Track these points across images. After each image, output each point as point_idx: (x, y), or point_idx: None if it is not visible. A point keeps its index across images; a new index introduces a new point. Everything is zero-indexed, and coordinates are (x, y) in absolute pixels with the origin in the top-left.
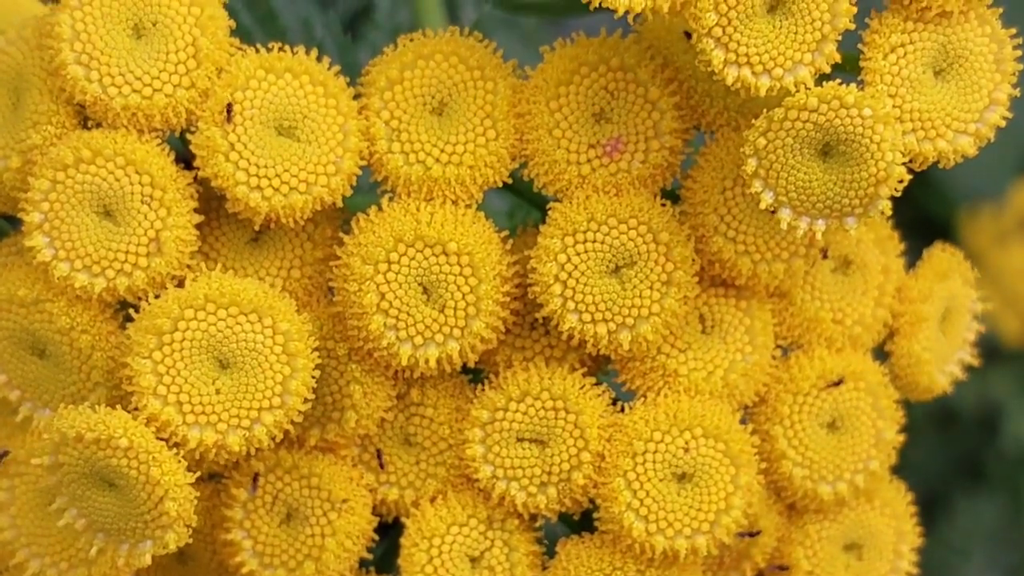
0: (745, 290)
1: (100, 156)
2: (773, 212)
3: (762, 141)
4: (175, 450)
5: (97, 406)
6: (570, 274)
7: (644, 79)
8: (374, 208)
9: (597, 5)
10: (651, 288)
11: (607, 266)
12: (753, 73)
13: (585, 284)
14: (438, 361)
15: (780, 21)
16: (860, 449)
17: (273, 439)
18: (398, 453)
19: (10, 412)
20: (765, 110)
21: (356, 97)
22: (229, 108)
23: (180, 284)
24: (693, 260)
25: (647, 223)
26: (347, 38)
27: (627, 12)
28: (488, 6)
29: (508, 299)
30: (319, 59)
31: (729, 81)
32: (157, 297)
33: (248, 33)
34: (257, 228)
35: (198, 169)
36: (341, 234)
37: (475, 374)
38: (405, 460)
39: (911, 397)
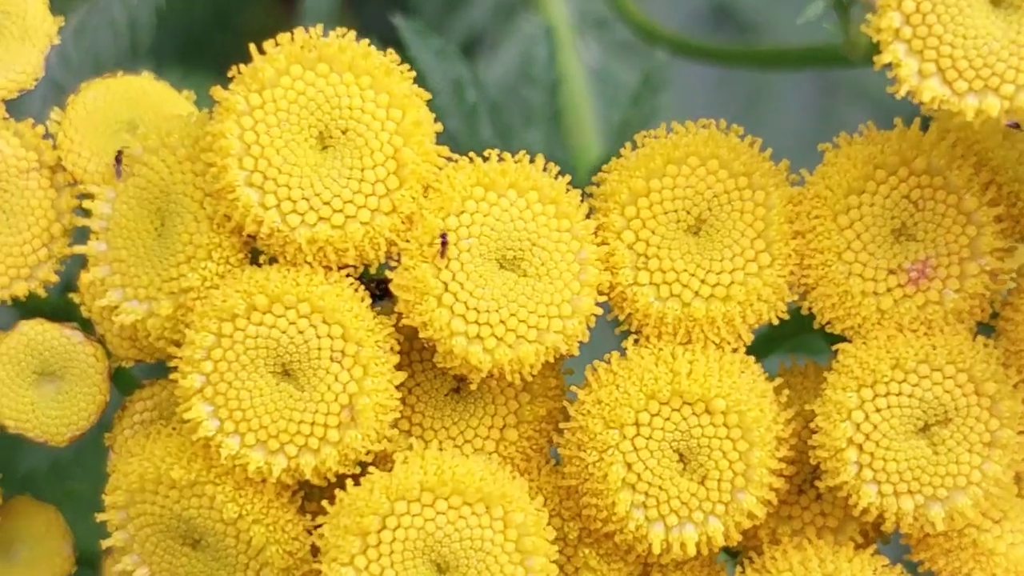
0: None
1: (279, 303)
2: None
3: None
4: None
5: None
6: (868, 436)
7: (957, 185)
8: (616, 355)
9: (929, 102)
10: (971, 451)
11: (915, 425)
12: None
13: (887, 448)
14: (696, 544)
15: None
16: None
17: None
18: None
19: None
20: None
21: (589, 215)
22: (443, 238)
23: (376, 462)
24: (1022, 415)
25: (967, 370)
26: (509, 114)
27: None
28: (660, 53)
29: (784, 465)
30: (544, 168)
31: None
32: (356, 482)
33: None
34: (473, 387)
35: (399, 315)
36: (572, 387)
37: (728, 550)
38: None
39: None
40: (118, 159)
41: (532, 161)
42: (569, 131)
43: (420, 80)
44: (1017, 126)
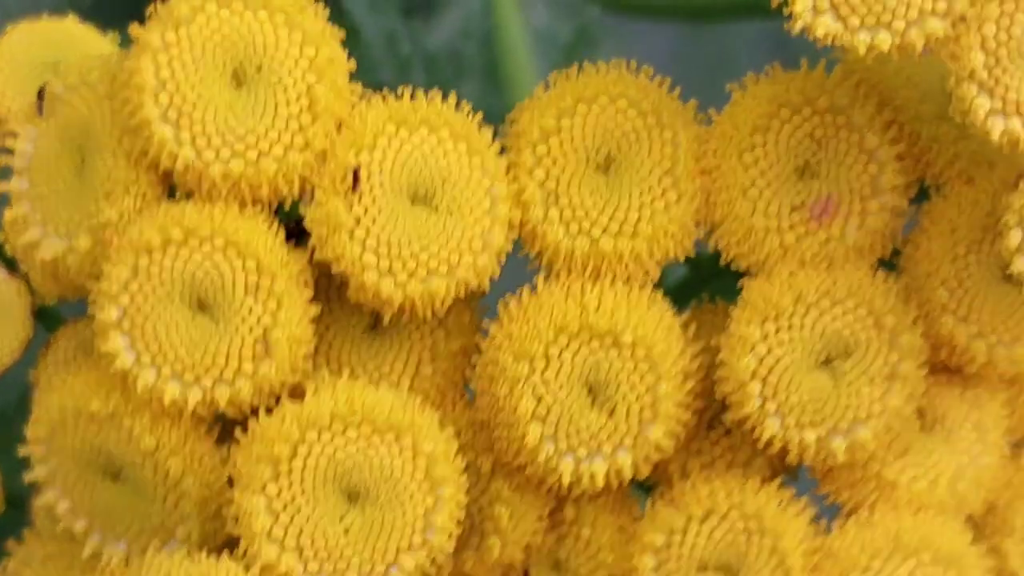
0: (973, 378)
1: (194, 236)
2: None
3: None
4: None
5: (195, 553)
6: (771, 369)
7: (859, 123)
8: (527, 290)
9: (822, 38)
10: (872, 384)
11: (817, 358)
12: None
13: (790, 381)
14: (605, 476)
15: None
16: None
17: None
18: None
19: (72, 543)
20: None
21: (502, 152)
22: (355, 173)
23: (294, 393)
24: (922, 348)
25: (867, 303)
26: (443, 66)
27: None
28: (594, 10)
29: (691, 399)
30: (457, 106)
31: (994, 135)
32: (269, 413)
33: None
34: (387, 321)
35: (314, 249)
36: (484, 322)
37: (642, 485)
38: None
39: None
40: (40, 96)
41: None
42: (509, 87)
43: (354, 33)
44: None
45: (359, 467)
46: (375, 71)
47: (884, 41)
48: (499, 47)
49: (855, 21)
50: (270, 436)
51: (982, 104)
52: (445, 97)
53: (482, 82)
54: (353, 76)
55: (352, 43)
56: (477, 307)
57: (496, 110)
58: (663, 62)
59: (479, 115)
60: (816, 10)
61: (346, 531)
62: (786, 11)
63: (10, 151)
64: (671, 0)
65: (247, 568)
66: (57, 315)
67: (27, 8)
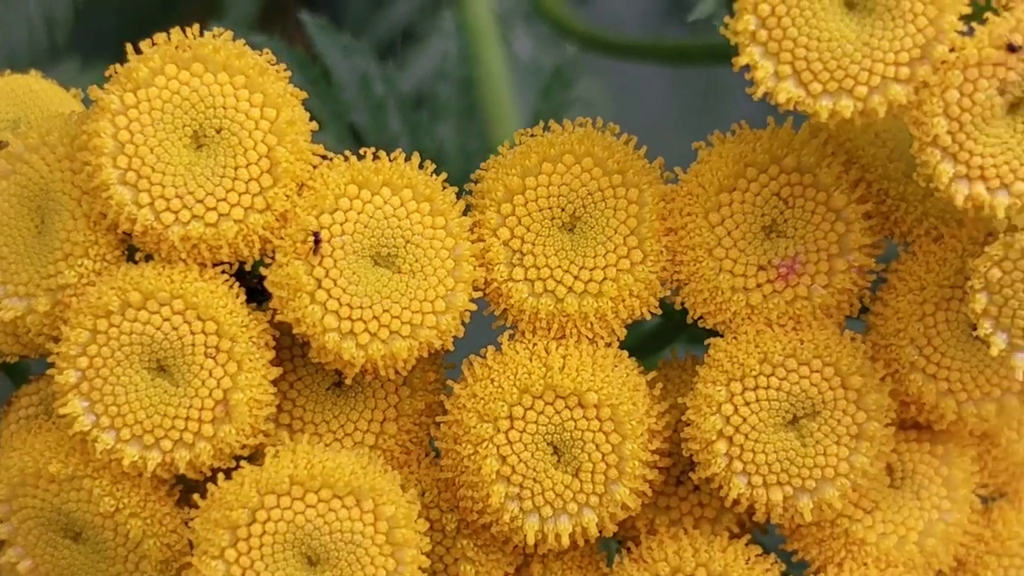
0: (943, 434)
1: (153, 299)
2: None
3: (996, 273)
4: None
5: None
6: (737, 428)
7: (826, 183)
8: (491, 350)
9: (785, 104)
10: (838, 444)
11: (783, 418)
12: (988, 189)
13: (756, 440)
14: (571, 535)
15: (1023, 123)
16: None
17: None
18: None
19: None
20: (1003, 234)
21: (467, 211)
22: (316, 236)
23: (254, 457)
24: (889, 407)
25: (834, 364)
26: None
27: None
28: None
29: (657, 457)
30: (421, 165)
31: (959, 200)
32: (228, 476)
33: None
34: (349, 381)
35: (274, 311)
36: (449, 381)
37: (608, 539)
38: None
39: None
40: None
41: (440, 165)
42: (491, 125)
43: (326, 76)
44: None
45: (319, 531)
46: (348, 113)
47: (846, 107)
48: (478, 83)
49: (817, 87)
50: (228, 501)
51: (946, 170)
52: (419, 141)
53: (458, 124)
54: (326, 119)
55: (325, 86)
56: (442, 366)
57: (473, 151)
58: (661, 80)
59: (443, 176)
60: (778, 76)
61: None
62: (747, 76)
63: None
64: (647, 43)
65: None
66: (23, 370)
67: (1, 56)
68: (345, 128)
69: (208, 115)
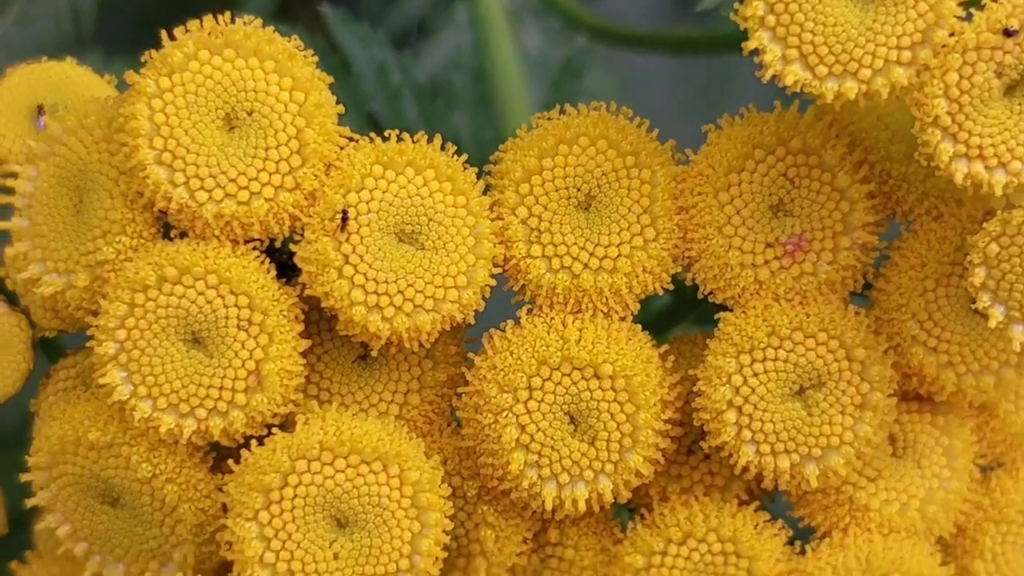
0: (943, 405)
1: (188, 274)
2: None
3: (994, 248)
4: None
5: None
6: (746, 399)
7: (831, 163)
8: (510, 324)
9: (792, 86)
10: (843, 413)
11: (790, 388)
12: (986, 168)
13: (764, 410)
14: (587, 501)
15: (1020, 104)
16: None
17: None
18: None
19: (73, 564)
20: (1000, 211)
21: (486, 191)
22: (344, 214)
23: (284, 425)
24: (891, 379)
25: (838, 337)
26: (434, 97)
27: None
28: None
29: (670, 427)
30: (443, 147)
31: (958, 178)
32: (261, 443)
33: None
34: (375, 353)
35: (303, 285)
36: (470, 354)
37: (622, 507)
38: None
39: None
40: (40, 111)
41: (456, 148)
42: (504, 114)
43: (345, 65)
44: (1009, 33)
45: (348, 495)
46: (367, 103)
47: (851, 89)
48: (490, 74)
49: (823, 70)
50: (262, 466)
51: (946, 149)
52: (435, 129)
53: (472, 113)
54: (346, 107)
55: (344, 76)
56: (463, 339)
57: (487, 140)
58: (667, 73)
59: (464, 157)
60: (786, 59)
61: (335, 556)
62: (756, 59)
63: (11, 191)
64: (655, 34)
65: None
66: (59, 346)
67: (30, 48)
68: (364, 116)
69: (240, 98)
